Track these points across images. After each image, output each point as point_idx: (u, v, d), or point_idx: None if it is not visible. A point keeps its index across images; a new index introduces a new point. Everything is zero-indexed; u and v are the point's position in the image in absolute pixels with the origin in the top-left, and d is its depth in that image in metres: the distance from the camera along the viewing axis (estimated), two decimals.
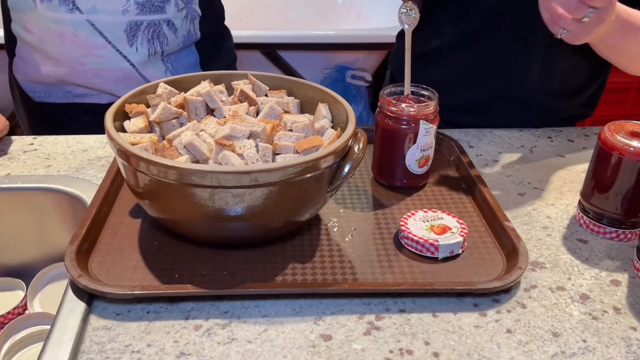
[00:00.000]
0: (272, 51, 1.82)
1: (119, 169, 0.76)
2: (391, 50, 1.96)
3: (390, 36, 1.84)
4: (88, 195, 0.74)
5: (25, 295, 0.76)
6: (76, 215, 0.75)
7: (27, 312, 0.76)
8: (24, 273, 0.80)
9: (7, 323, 0.73)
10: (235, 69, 1.19)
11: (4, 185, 0.75)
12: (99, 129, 0.92)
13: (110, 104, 0.99)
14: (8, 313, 0.74)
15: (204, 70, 1.07)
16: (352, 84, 1.93)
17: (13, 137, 0.88)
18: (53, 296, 0.77)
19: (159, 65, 0.99)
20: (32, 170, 0.80)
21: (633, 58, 0.86)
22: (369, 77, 1.96)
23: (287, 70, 1.86)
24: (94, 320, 0.56)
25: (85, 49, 0.94)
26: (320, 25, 2.23)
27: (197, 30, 1.03)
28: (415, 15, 0.77)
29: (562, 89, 0.98)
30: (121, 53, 0.95)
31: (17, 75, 1.01)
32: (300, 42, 1.82)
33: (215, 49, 1.10)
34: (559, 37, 0.74)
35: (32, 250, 0.80)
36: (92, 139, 0.89)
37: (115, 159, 0.78)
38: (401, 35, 1.10)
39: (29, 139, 0.88)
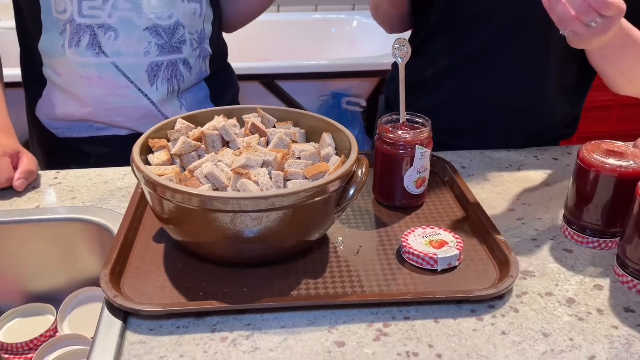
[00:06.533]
0: (270, 81, 1.90)
1: (140, 198, 0.83)
2: (383, 77, 2.06)
3: (382, 64, 1.94)
4: (113, 223, 0.80)
5: (56, 319, 0.82)
6: (102, 243, 0.81)
7: (57, 334, 0.81)
8: (52, 298, 0.86)
9: (40, 345, 0.78)
10: (239, 100, 1.27)
11: (35, 217, 0.82)
12: (119, 158, 0.99)
13: (129, 136, 1.08)
14: (41, 335, 0.79)
15: (213, 102, 1.15)
16: (348, 110, 2.01)
17: (39, 172, 0.94)
18: (81, 318, 0.83)
19: (175, 101, 1.07)
20: (59, 202, 0.87)
21: (623, 71, 0.92)
22: (364, 103, 2.04)
23: (285, 98, 1.94)
24: (130, 336, 0.62)
25: (109, 89, 1.01)
26: (315, 53, 2.33)
27: (208, 67, 1.11)
28: (407, 49, 0.85)
29: (546, 113, 1.06)
30: (142, 92, 1.03)
31: (40, 114, 1.08)
32: (297, 72, 1.90)
33: (222, 83, 1.18)
34: (565, 34, 0.77)
35: (60, 277, 0.86)
36: (112, 171, 0.96)
37: (136, 189, 0.85)
38: (396, 64, 1.18)
39: (52, 173, 0.95)
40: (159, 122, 1.06)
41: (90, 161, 1.06)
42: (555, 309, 0.67)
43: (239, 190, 0.67)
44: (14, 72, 1.17)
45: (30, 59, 1.06)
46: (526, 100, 1.04)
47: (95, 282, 0.85)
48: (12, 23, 1.06)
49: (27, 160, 0.91)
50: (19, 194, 0.88)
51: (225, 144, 0.77)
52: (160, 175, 0.67)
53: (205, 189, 0.66)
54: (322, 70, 1.93)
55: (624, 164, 0.73)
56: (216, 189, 0.69)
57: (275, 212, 0.64)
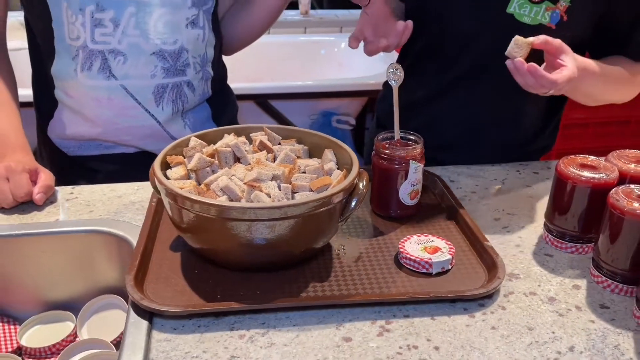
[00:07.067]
0: (264, 101, 1.98)
1: (155, 211, 0.89)
2: (371, 97, 2.15)
3: (370, 84, 2.03)
4: (131, 234, 0.86)
5: (75, 325, 0.87)
6: (121, 253, 0.87)
7: (77, 339, 0.87)
8: (70, 306, 0.91)
9: (62, 350, 0.84)
10: (237, 119, 1.34)
11: (57, 229, 0.87)
12: (126, 175, 1.06)
13: (136, 154, 1.15)
14: (62, 340, 0.84)
15: (215, 121, 1.22)
16: (338, 128, 2.09)
17: (56, 188, 0.99)
18: (99, 324, 0.88)
19: (179, 121, 1.14)
20: (77, 215, 0.92)
21: (587, 95, 1.04)
22: (353, 121, 2.13)
23: (278, 117, 2.02)
24: (156, 334, 0.68)
25: (118, 110, 1.07)
26: (305, 74, 2.41)
27: (210, 88, 1.18)
28: (400, 73, 0.93)
29: (527, 130, 1.15)
30: (149, 112, 1.09)
31: (52, 134, 1.13)
32: (289, 92, 1.98)
33: (223, 103, 1.25)
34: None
35: (78, 286, 0.91)
36: (124, 187, 1.02)
37: (150, 203, 0.91)
38: (386, 85, 1.26)
39: (68, 188, 1.01)
40: (164, 140, 1.14)
41: (98, 178, 1.12)
42: (538, 306, 0.74)
43: (252, 201, 0.74)
44: (23, 93, 1.22)
45: (42, 82, 1.11)
46: (507, 120, 1.12)
47: (111, 290, 0.90)
48: (20, 44, 1.12)
49: (45, 176, 0.96)
50: (39, 208, 0.94)
51: (237, 160, 0.84)
52: (180, 189, 0.73)
53: (223, 200, 0.73)
54: (312, 90, 2.01)
55: (597, 176, 0.81)
56: (231, 201, 0.76)
57: (287, 221, 0.70)
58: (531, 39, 0.88)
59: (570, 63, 0.88)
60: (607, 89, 1.04)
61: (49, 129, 1.14)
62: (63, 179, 1.16)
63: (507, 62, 0.88)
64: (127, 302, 0.86)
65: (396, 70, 0.93)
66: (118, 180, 1.04)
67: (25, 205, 0.94)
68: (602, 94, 1.05)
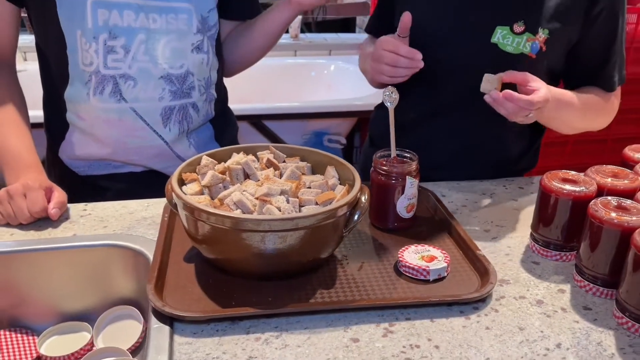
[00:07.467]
0: (258, 121, 2.04)
1: (168, 226, 0.95)
2: (360, 117, 2.23)
3: (359, 105, 2.11)
4: (145, 247, 0.91)
5: (92, 335, 0.91)
6: (136, 265, 0.92)
7: (94, 348, 0.91)
8: (85, 317, 0.95)
9: (80, 358, 0.88)
10: (237, 139, 1.40)
11: (75, 244, 0.92)
12: (134, 193, 1.11)
13: (143, 172, 1.20)
14: (81, 349, 0.89)
15: (217, 141, 1.28)
16: (330, 147, 2.17)
17: (69, 205, 1.04)
18: (114, 334, 0.92)
19: (185, 140, 1.20)
20: (92, 230, 0.97)
21: (563, 123, 1.13)
22: (344, 140, 2.20)
23: (272, 137, 2.08)
24: (178, 338, 0.73)
25: (128, 131, 1.13)
26: (296, 95, 2.49)
27: (213, 109, 1.25)
28: (395, 96, 1.01)
29: (512, 152, 1.23)
30: (157, 133, 1.15)
31: (63, 155, 1.18)
32: (282, 113, 2.05)
33: (224, 123, 1.31)
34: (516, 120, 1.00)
35: (93, 297, 0.95)
36: (135, 204, 1.07)
37: (162, 218, 0.96)
38: (379, 107, 1.34)
39: (80, 206, 1.06)
40: (171, 159, 1.20)
41: (107, 196, 1.17)
42: (527, 308, 0.81)
43: (264, 214, 0.80)
44: (32, 114, 1.27)
45: (54, 105, 1.17)
46: (493, 143, 1.20)
47: (125, 302, 0.95)
48: (25, 65, 1.17)
49: (59, 193, 1.01)
50: (55, 224, 0.98)
51: (247, 176, 0.90)
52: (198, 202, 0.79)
53: (238, 213, 0.79)
54: (305, 111, 2.09)
55: (577, 189, 0.89)
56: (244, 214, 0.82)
57: (297, 232, 0.76)
58: (500, 74, 0.98)
59: (541, 85, 0.97)
60: (583, 118, 1.13)
61: (60, 151, 1.19)
62: (73, 197, 1.21)
63: (485, 97, 0.98)
64: (141, 313, 0.91)
65: (392, 92, 1.01)
66: (126, 198, 1.09)
67: (41, 222, 0.99)
68: (579, 122, 1.14)
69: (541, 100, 0.95)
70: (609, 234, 0.81)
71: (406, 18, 1.04)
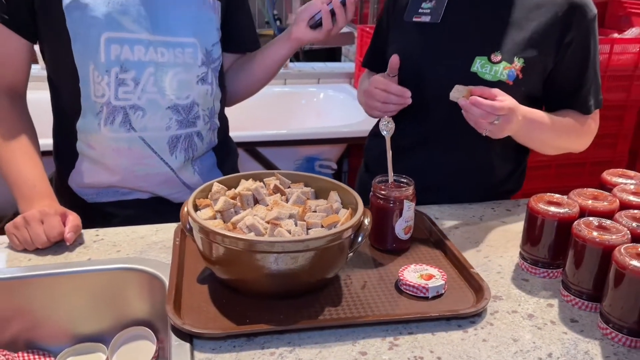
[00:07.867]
0: (252, 148, 2.11)
1: (180, 249, 1.00)
2: (350, 144, 2.31)
3: (348, 132, 2.19)
4: (158, 270, 0.96)
5: (107, 356, 0.95)
6: (151, 288, 0.96)
7: None
8: (99, 338, 0.99)
9: None
10: (238, 166, 1.46)
11: (91, 267, 0.97)
12: (140, 218, 1.16)
13: (150, 199, 1.25)
14: None
15: (220, 168, 1.33)
16: (321, 172, 2.23)
17: (82, 231, 1.09)
18: (128, 354, 0.96)
19: (190, 168, 1.25)
20: (106, 255, 1.02)
21: (542, 143, 1.21)
22: (335, 166, 2.27)
23: (266, 163, 2.15)
24: (198, 354, 0.78)
25: (136, 159, 1.19)
26: (286, 122, 2.56)
27: (216, 137, 1.31)
28: (392, 125, 1.08)
29: (498, 174, 1.31)
30: (164, 160, 1.20)
31: (72, 183, 1.23)
32: (275, 140, 2.12)
33: (226, 151, 1.37)
34: (484, 134, 1.07)
35: (107, 319, 0.99)
36: (145, 229, 1.12)
37: (174, 242, 1.01)
38: (373, 135, 1.41)
39: (92, 231, 1.10)
40: (176, 186, 1.25)
41: (115, 222, 1.21)
42: (520, 322, 0.87)
43: (276, 237, 0.86)
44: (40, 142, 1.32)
45: (65, 134, 1.22)
46: (480, 166, 1.28)
47: (138, 322, 0.99)
48: (32, 94, 1.22)
49: (74, 218, 1.06)
50: (70, 249, 1.03)
51: (257, 201, 0.96)
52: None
53: (252, 236, 0.85)
54: (297, 137, 2.16)
55: (562, 211, 0.96)
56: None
57: (308, 253, 0.82)
58: (470, 86, 1.06)
59: (508, 98, 1.06)
60: (558, 137, 1.21)
61: (70, 179, 1.23)
62: (82, 223, 1.26)
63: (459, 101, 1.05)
64: (154, 334, 0.96)
65: (388, 122, 1.08)
66: (133, 224, 1.14)
67: (57, 246, 1.03)
68: (555, 141, 1.22)
69: (504, 107, 1.03)
70: (591, 252, 0.88)
71: (394, 60, 1.14)
